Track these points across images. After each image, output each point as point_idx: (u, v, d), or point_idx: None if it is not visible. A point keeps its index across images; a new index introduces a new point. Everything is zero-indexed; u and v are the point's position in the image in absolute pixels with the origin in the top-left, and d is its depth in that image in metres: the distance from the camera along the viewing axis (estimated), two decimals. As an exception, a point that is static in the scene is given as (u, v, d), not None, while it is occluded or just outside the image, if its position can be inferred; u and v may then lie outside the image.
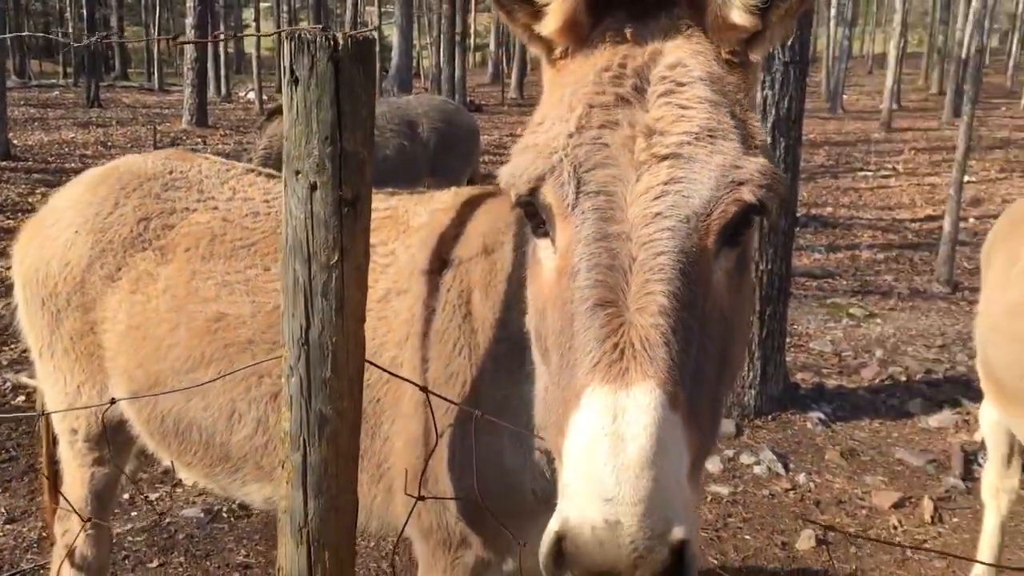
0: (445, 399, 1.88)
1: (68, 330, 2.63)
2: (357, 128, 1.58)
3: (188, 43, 3.39)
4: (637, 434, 1.13)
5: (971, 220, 12.62)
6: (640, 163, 1.27)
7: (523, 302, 1.92)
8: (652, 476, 1.11)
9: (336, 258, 1.61)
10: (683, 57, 1.35)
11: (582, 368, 1.20)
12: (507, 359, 1.95)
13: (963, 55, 24.69)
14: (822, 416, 6.08)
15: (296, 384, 1.66)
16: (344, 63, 1.54)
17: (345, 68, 1.54)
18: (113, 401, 2.38)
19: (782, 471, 5.35)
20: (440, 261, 2.11)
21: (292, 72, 1.56)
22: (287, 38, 1.56)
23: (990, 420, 3.96)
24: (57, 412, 2.73)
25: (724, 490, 5.08)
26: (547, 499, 2.00)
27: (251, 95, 29.22)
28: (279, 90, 28.84)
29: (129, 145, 17.84)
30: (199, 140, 19.03)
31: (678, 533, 1.12)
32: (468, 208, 2.18)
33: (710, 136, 1.29)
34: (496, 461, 1.98)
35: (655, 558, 1.11)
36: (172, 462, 2.54)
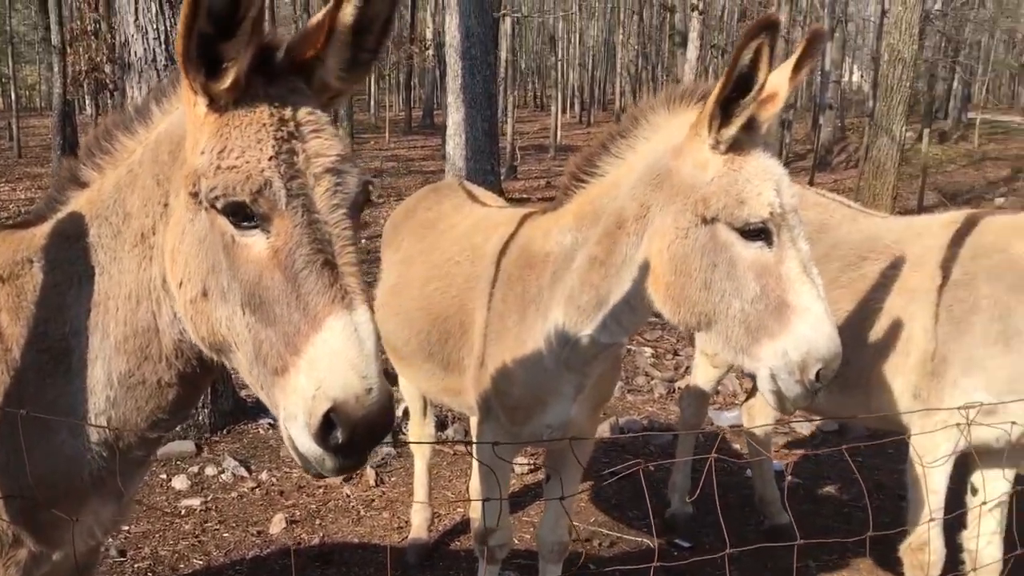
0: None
1: None
2: None
3: None
4: (368, 336, 1.79)
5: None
6: (315, 175, 1.88)
7: (64, 314, 2.23)
8: (378, 359, 1.79)
9: None
10: (314, 109, 1.96)
11: (320, 304, 1.80)
12: (51, 366, 2.22)
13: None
14: (271, 422, 6.78)
15: None
16: None
17: None
18: None
19: (246, 473, 5.90)
20: None
21: None
22: None
23: (403, 383, 5.02)
24: None
25: (196, 502, 5.45)
26: (98, 478, 2.32)
27: None
28: None
29: None
30: None
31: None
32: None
33: (347, 158, 1.96)
34: (56, 454, 2.22)
35: (390, 406, 1.81)
36: None
